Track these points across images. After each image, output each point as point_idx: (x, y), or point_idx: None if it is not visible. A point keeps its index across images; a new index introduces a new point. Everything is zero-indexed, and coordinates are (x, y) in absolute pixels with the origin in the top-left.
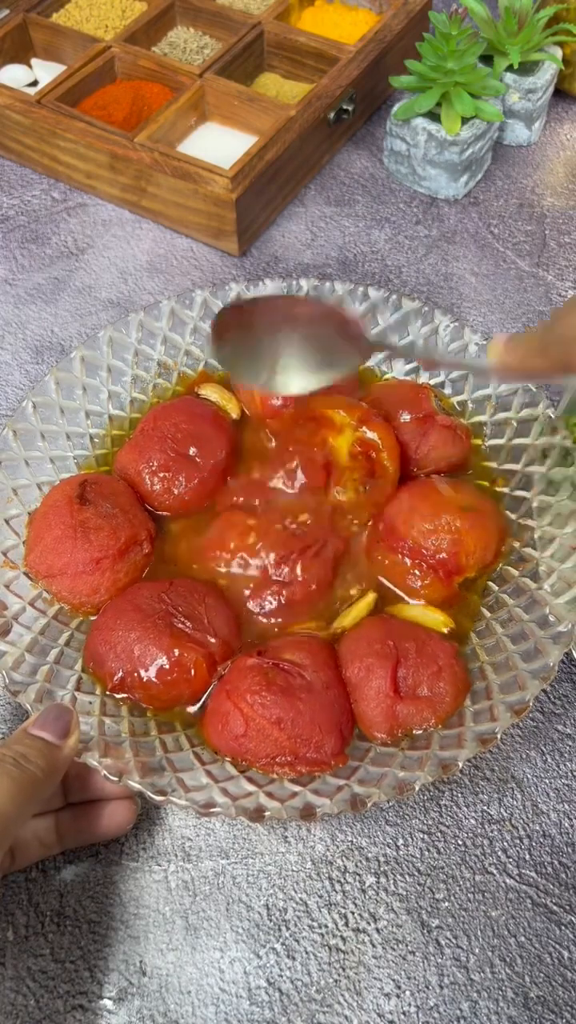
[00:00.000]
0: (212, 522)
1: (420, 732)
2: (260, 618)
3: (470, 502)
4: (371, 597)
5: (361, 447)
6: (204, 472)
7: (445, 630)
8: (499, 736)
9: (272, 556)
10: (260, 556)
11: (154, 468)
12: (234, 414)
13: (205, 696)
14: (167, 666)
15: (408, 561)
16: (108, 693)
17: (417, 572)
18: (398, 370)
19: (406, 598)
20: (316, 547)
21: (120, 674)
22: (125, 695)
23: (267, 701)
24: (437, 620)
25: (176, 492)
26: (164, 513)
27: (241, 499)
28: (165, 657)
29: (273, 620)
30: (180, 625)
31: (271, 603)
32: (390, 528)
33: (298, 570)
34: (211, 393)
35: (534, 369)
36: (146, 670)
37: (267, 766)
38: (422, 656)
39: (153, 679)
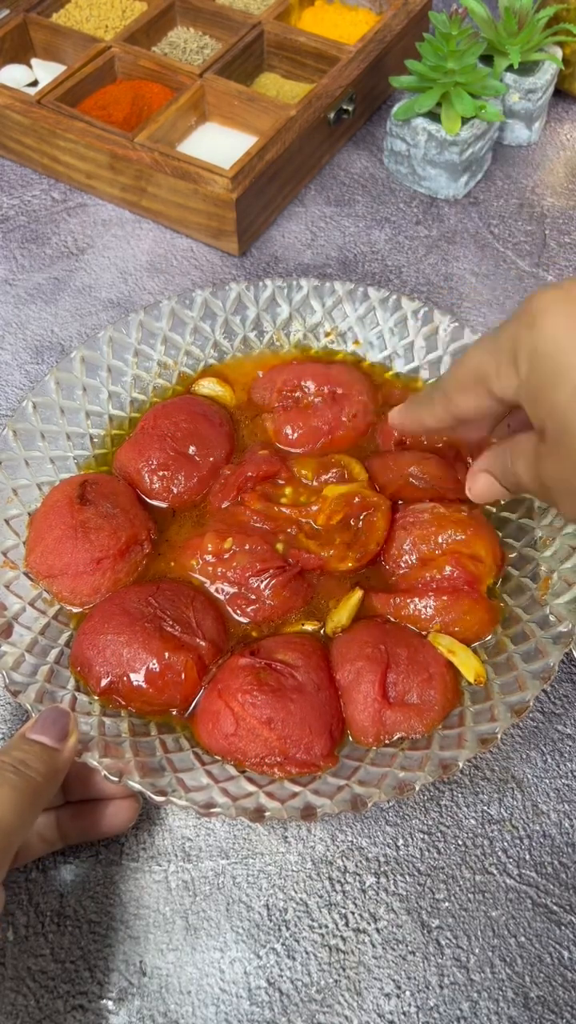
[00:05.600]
0: (200, 520)
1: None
2: (239, 619)
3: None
4: (358, 594)
5: (359, 499)
6: (203, 471)
7: (472, 678)
8: (499, 736)
9: (246, 571)
10: (233, 568)
11: (153, 467)
12: (230, 401)
13: (196, 701)
14: (157, 670)
15: (432, 598)
16: (95, 698)
17: (445, 599)
18: (398, 365)
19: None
20: (292, 571)
21: (108, 679)
22: (114, 700)
23: (258, 701)
24: (469, 666)
25: (175, 490)
26: (162, 505)
27: (227, 504)
28: (155, 661)
29: (248, 623)
30: (169, 629)
31: (238, 614)
32: (403, 579)
33: (267, 593)
34: (207, 385)
35: (429, 427)
36: (136, 674)
37: (257, 766)
38: (413, 663)
39: (143, 683)
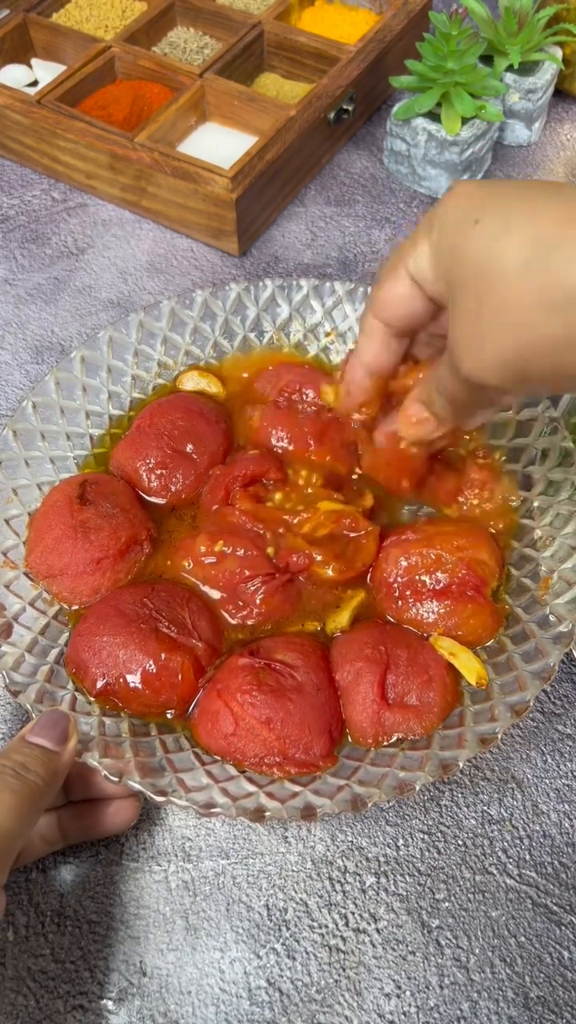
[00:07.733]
0: (198, 518)
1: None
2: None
3: (454, 520)
4: (359, 595)
5: (350, 521)
6: (201, 469)
7: (474, 680)
8: (499, 736)
9: (234, 577)
10: (224, 572)
11: (151, 465)
12: (216, 390)
13: (193, 703)
14: (154, 671)
15: (436, 602)
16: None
17: (449, 604)
18: None
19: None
20: (282, 579)
21: (104, 681)
22: (111, 702)
23: (257, 701)
24: (471, 668)
25: (174, 489)
26: (160, 502)
27: (217, 505)
28: (152, 662)
29: (240, 627)
30: (165, 630)
31: (230, 616)
32: (406, 585)
33: (257, 599)
34: (190, 381)
35: (368, 361)
36: (132, 676)
37: (256, 766)
38: (414, 664)
39: (139, 685)
